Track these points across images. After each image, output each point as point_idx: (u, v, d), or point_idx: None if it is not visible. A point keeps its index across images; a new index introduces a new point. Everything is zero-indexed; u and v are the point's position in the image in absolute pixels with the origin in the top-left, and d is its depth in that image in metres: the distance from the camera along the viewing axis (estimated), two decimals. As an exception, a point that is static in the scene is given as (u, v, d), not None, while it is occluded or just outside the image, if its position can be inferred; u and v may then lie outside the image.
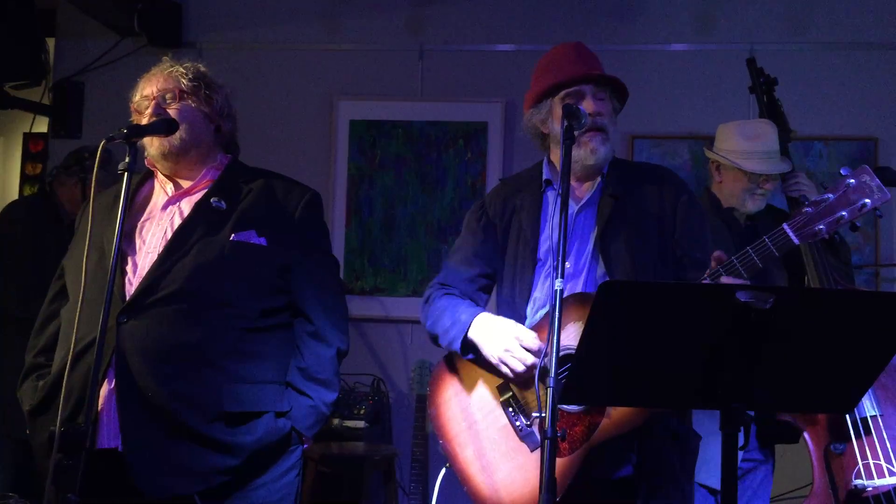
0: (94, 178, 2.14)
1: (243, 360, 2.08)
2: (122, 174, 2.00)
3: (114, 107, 4.41)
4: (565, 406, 2.03)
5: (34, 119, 4.56)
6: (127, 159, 2.01)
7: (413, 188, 4.37)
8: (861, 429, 2.56)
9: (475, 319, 2.17)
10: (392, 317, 4.31)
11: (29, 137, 4.71)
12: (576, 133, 2.01)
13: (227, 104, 2.28)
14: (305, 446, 2.21)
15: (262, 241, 2.14)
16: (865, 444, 2.55)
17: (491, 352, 2.12)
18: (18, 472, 3.59)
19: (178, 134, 2.15)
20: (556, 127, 2.21)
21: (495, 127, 4.30)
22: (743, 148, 2.99)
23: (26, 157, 4.71)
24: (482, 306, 2.31)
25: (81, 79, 4.51)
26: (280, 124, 4.45)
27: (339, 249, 4.36)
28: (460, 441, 2.20)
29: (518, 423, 2.13)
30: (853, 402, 1.73)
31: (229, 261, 2.10)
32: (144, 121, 2.17)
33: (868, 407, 2.57)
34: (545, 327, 1.96)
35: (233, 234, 2.12)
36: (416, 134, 4.38)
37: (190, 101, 2.20)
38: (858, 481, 2.52)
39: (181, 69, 2.22)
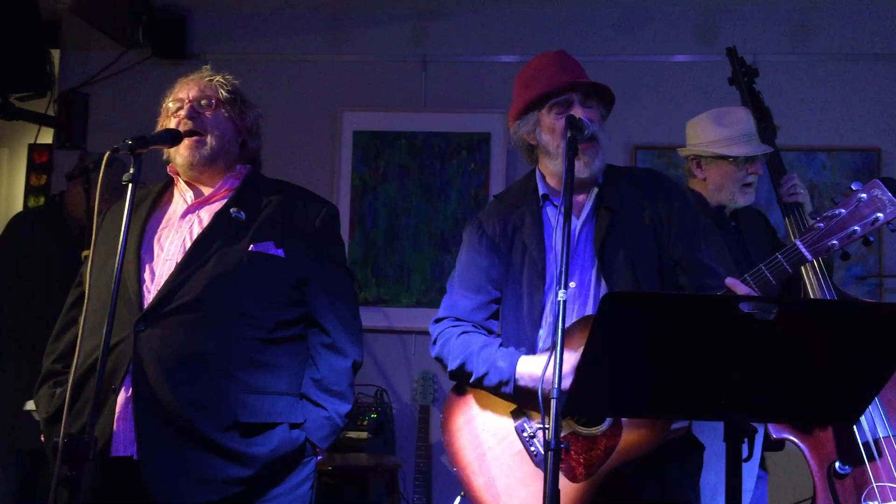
0: (98, 188, 2.16)
1: (258, 371, 2.08)
2: (127, 185, 2.01)
3: (118, 118, 4.49)
4: (582, 429, 2.02)
5: (39, 130, 4.57)
6: (131, 170, 2.02)
7: (416, 199, 4.38)
8: (874, 450, 2.47)
9: (518, 364, 2.09)
10: (395, 327, 4.31)
11: (34, 148, 4.72)
12: (580, 146, 2.00)
13: (256, 123, 2.31)
14: (320, 458, 2.21)
15: (280, 252, 2.15)
16: (880, 465, 2.47)
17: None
18: (24, 483, 3.59)
19: (209, 142, 2.18)
20: (545, 137, 2.18)
21: (498, 137, 4.31)
22: (722, 136, 2.84)
23: (31, 168, 4.71)
24: (493, 331, 2.29)
25: (86, 90, 4.54)
26: (284, 135, 4.45)
27: (342, 260, 4.37)
28: (473, 469, 2.17)
29: (533, 449, 2.11)
30: (857, 413, 1.72)
31: (247, 271, 2.11)
32: (172, 122, 2.19)
33: (879, 427, 2.49)
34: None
35: (251, 245, 2.13)
36: (420, 144, 4.39)
37: (224, 112, 2.23)
38: (870, 503, 2.46)
39: (221, 80, 2.26)
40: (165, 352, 2.01)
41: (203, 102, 2.21)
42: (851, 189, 1.78)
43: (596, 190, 2.21)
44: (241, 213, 2.18)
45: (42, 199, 4.60)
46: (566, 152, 1.94)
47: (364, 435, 3.83)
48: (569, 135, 1.96)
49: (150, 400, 1.98)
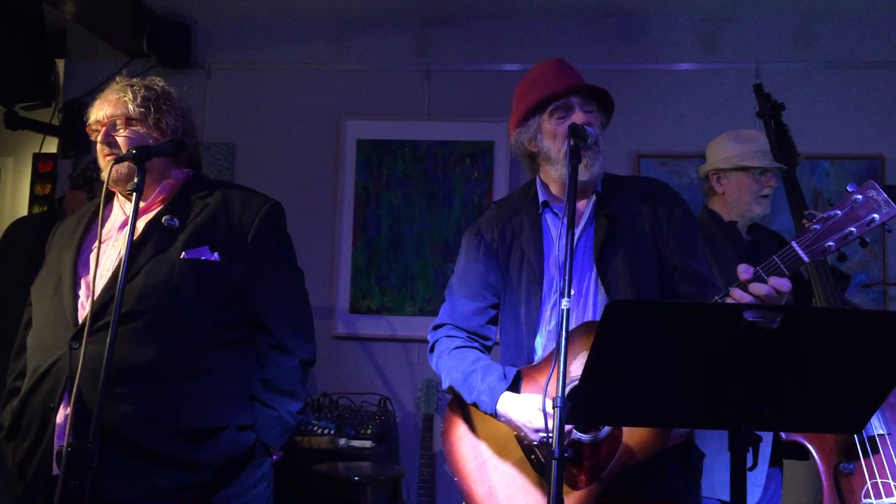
0: (102, 197, 2.16)
1: (200, 377, 2.07)
2: (132, 193, 2.02)
3: (122, 127, 4.50)
4: (582, 435, 2.01)
5: (44, 140, 4.58)
6: (135, 179, 2.03)
7: (420, 207, 4.38)
8: (869, 448, 2.54)
9: (499, 404, 2.09)
10: (399, 336, 4.31)
11: (38, 158, 4.75)
12: (582, 153, 2.00)
13: (181, 123, 2.24)
14: (275, 458, 2.20)
15: (215, 256, 2.12)
16: (873, 462, 2.53)
17: (522, 423, 2.06)
18: (25, 491, 3.58)
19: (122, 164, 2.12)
20: (546, 143, 2.18)
21: (501, 146, 4.32)
22: (739, 151, 3.11)
23: (36, 178, 4.74)
24: (491, 338, 2.30)
25: (91, 99, 4.53)
26: (288, 144, 4.47)
27: (345, 268, 4.37)
28: (474, 478, 2.17)
29: (533, 457, 2.10)
30: (862, 422, 1.71)
31: (181, 279, 2.08)
32: (99, 143, 2.17)
33: (876, 425, 2.55)
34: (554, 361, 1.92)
35: (184, 252, 2.10)
36: (423, 153, 4.40)
37: (139, 128, 2.18)
38: (867, 500, 2.50)
39: (129, 95, 2.19)
40: (100, 367, 1.95)
41: (117, 123, 2.17)
42: (847, 191, 1.78)
43: (594, 198, 2.21)
44: (175, 220, 2.15)
45: (46, 209, 4.62)
46: (569, 160, 1.94)
47: (367, 443, 3.82)
48: (571, 143, 1.96)
49: (89, 417, 1.94)
